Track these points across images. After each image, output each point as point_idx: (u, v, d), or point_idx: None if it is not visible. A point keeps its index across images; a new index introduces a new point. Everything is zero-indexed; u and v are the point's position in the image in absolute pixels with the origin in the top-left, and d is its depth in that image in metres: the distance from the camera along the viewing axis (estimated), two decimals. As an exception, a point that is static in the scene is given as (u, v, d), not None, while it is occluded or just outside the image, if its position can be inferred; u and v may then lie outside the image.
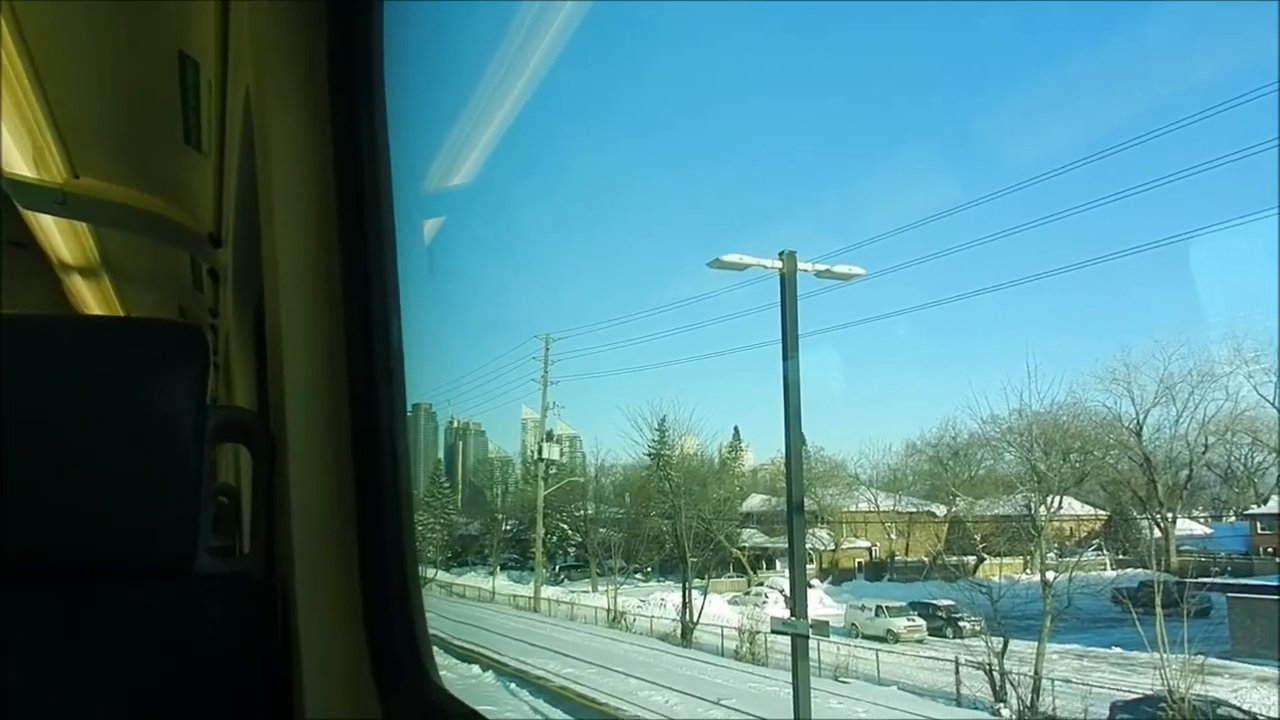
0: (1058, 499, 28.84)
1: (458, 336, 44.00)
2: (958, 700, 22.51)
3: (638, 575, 41.47)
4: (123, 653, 1.56)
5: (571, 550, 45.99)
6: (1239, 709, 18.83)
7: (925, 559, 36.00)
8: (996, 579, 27.56)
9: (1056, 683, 21.49)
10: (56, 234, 4.93)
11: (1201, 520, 33.47)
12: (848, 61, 42.10)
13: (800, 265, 18.42)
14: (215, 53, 2.71)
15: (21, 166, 3.85)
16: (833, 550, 38.18)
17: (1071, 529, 32.50)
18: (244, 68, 2.30)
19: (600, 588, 40.31)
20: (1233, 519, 32.58)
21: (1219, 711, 18.57)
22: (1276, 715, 18.75)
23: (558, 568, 45.29)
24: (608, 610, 36.24)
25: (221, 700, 1.62)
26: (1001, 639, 22.43)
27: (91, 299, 6.19)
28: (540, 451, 43.67)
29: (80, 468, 1.55)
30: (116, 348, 1.64)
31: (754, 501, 40.40)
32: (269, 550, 1.84)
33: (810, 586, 26.16)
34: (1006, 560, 30.36)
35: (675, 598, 34.28)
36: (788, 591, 22.58)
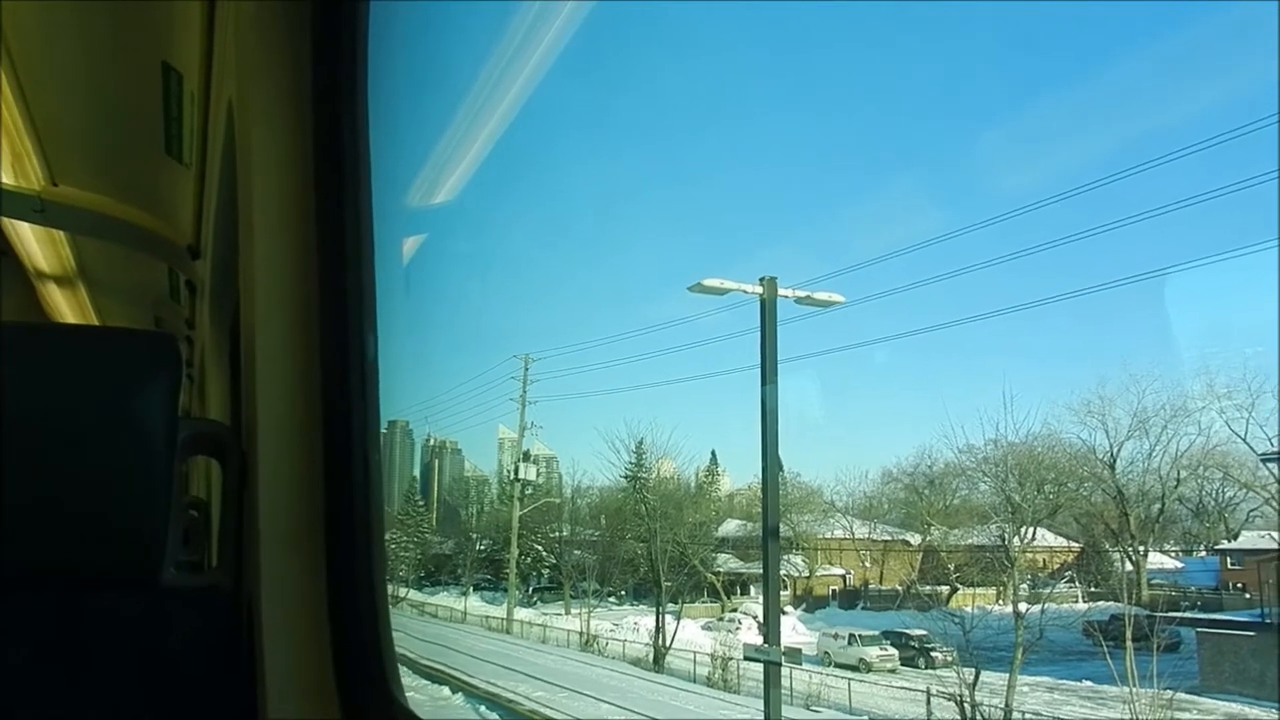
0: (1031, 530, 28.97)
1: (437, 354, 43.89)
2: (928, 731, 22.49)
3: (611, 598, 41.25)
4: (87, 663, 1.55)
5: (545, 572, 45.71)
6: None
7: (899, 588, 36.02)
8: (969, 609, 27.57)
9: (1027, 715, 21.50)
10: (33, 242, 4.90)
11: (1173, 554, 33.67)
12: (838, 82, 42.47)
13: (781, 291, 18.52)
14: (199, 64, 2.72)
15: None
16: (807, 577, 38.12)
17: (1044, 560, 32.62)
18: (227, 80, 2.30)
19: (573, 610, 40.07)
20: (1203, 554, 32.80)
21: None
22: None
23: (531, 589, 44.99)
24: (580, 633, 36.02)
25: (186, 713, 1.61)
26: (973, 670, 22.43)
27: (67, 308, 6.15)
28: (517, 471, 43.47)
29: (50, 475, 1.53)
30: (88, 355, 1.63)
31: (730, 526, 40.32)
32: (237, 565, 1.83)
33: (784, 613, 26.13)
34: (979, 590, 30.42)
35: (648, 622, 34.10)
36: (761, 618, 22.53)
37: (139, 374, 1.60)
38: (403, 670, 1.98)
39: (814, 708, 24.44)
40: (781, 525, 24.79)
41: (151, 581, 1.61)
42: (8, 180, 3.90)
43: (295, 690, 1.69)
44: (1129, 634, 21.39)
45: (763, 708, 17.48)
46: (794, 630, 30.22)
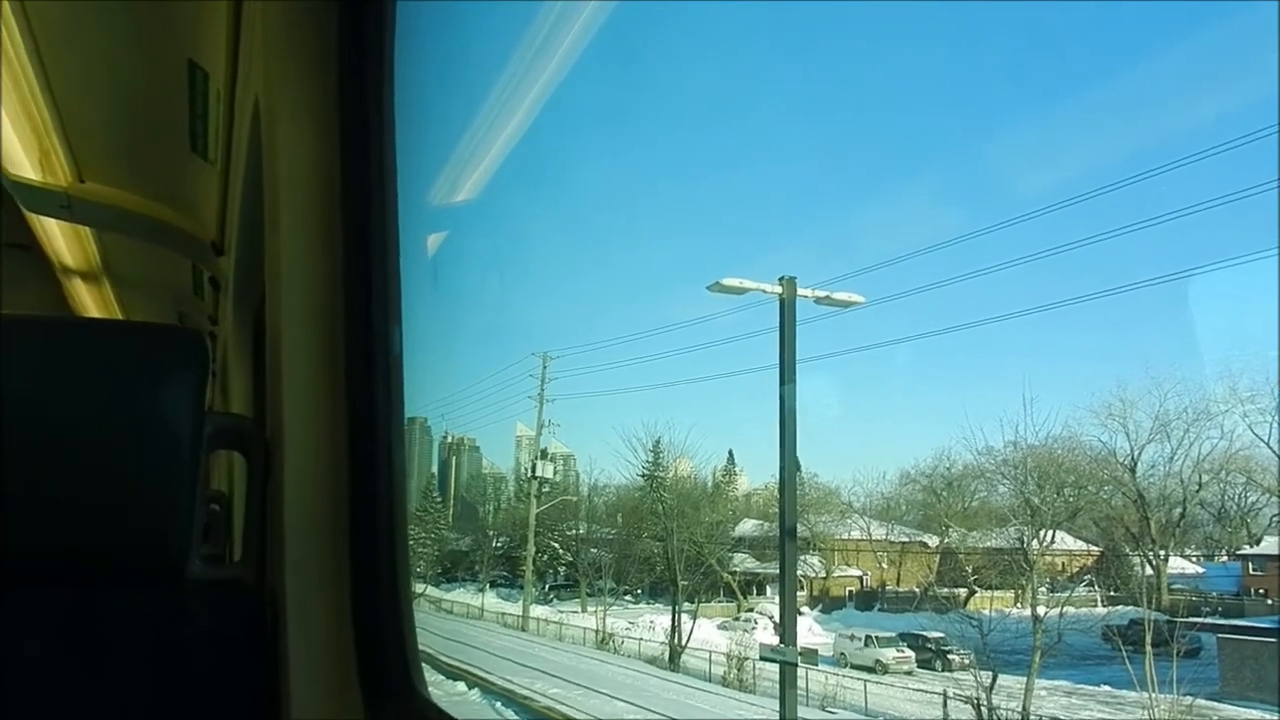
0: (1050, 533, 28.77)
1: (456, 351, 43.99)
2: (945, 733, 22.41)
3: (627, 597, 41.25)
4: (112, 656, 1.56)
5: (562, 569, 45.76)
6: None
7: (916, 590, 35.87)
8: (987, 612, 27.44)
9: (1045, 719, 21.37)
10: (59, 237, 4.95)
11: (1194, 559, 33.39)
12: (859, 82, 42.31)
13: (800, 291, 18.47)
14: (225, 62, 2.73)
15: (27, 169, 3.87)
16: (823, 578, 38.03)
17: (1063, 564, 32.41)
18: (253, 78, 2.32)
19: (589, 608, 40.11)
20: (1225, 559, 32.51)
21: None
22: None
23: (547, 587, 45.06)
24: (596, 631, 36.05)
25: (209, 708, 1.62)
26: (990, 673, 22.32)
27: (92, 303, 6.20)
28: (534, 469, 43.55)
29: (77, 469, 1.55)
30: (117, 350, 1.65)
31: (746, 526, 40.24)
32: (261, 559, 1.84)
33: (800, 614, 26.07)
34: (998, 593, 30.25)
35: (664, 620, 34.09)
36: (777, 618, 22.51)
37: (167, 369, 1.61)
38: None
39: (829, 709, 24.38)
40: (798, 526, 24.74)
41: (177, 576, 1.63)
42: (36, 177, 3.94)
43: (319, 684, 1.70)
44: (1149, 639, 21.21)
45: (778, 708, 17.44)
46: (810, 631, 30.15)
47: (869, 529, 38.58)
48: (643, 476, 40.99)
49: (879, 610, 36.21)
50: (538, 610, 41.10)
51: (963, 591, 32.37)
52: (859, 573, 38.50)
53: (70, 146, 3.73)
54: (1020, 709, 21.52)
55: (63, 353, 1.59)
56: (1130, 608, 27.97)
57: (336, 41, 1.85)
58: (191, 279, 5.30)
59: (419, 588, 42.56)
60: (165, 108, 3.29)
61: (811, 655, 19.63)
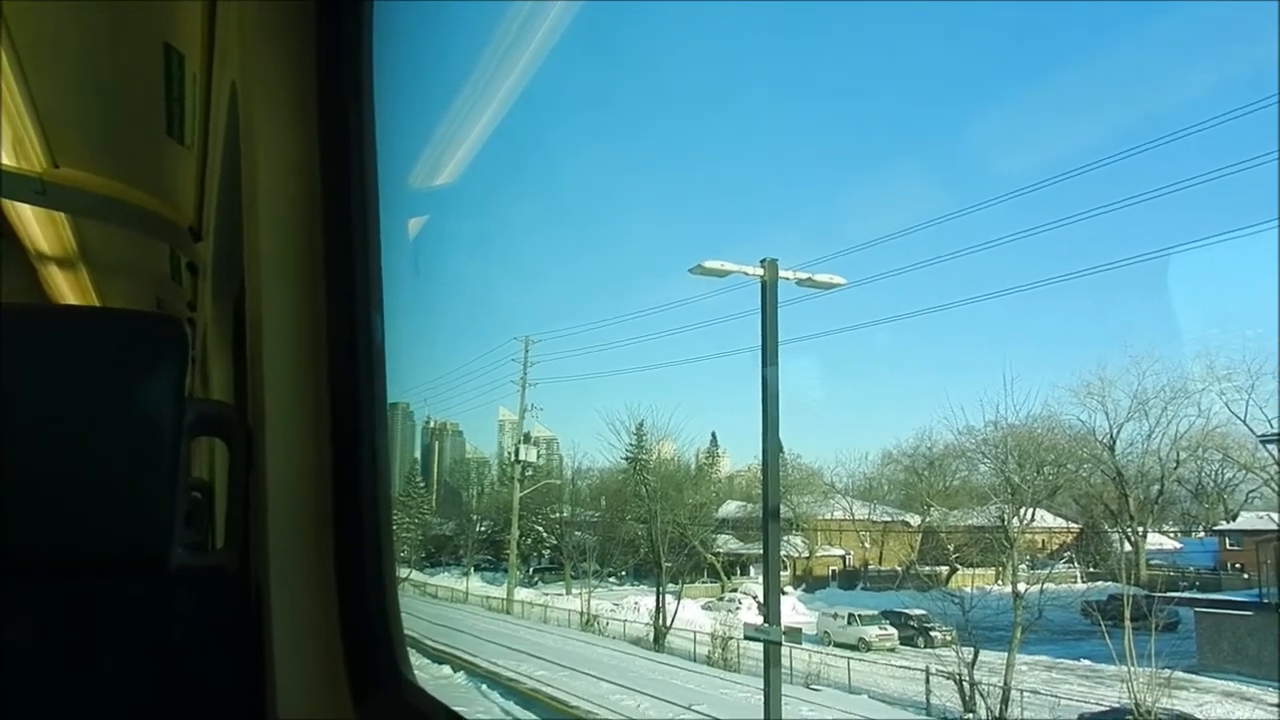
0: (1031, 511, 29.01)
1: (438, 335, 43.83)
2: (927, 709, 22.62)
3: (612, 579, 41.38)
4: (94, 647, 1.55)
5: (546, 553, 45.82)
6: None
7: (898, 568, 36.13)
8: (968, 589, 27.68)
9: (1025, 693, 21.61)
10: (34, 224, 4.89)
11: (1171, 535, 33.79)
12: (839, 66, 42.27)
13: (781, 273, 18.48)
14: (201, 45, 2.70)
15: (0, 155, 3.82)
16: (807, 558, 38.24)
17: (1044, 541, 32.70)
18: (230, 61, 2.29)
19: (574, 591, 40.21)
20: (1202, 535, 32.89)
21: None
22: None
23: (532, 570, 45.12)
24: (581, 613, 36.16)
25: (193, 696, 1.61)
26: (972, 649, 22.53)
27: (69, 290, 6.14)
28: (517, 453, 43.52)
29: (56, 458, 1.53)
30: (95, 338, 1.63)
31: (730, 507, 40.40)
32: (244, 546, 1.83)
33: (784, 593, 26.22)
34: (979, 571, 30.52)
35: (649, 602, 34.23)
36: (761, 598, 22.63)
37: (146, 356, 1.59)
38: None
39: (814, 686, 24.58)
40: (781, 506, 24.84)
41: (159, 565, 1.61)
42: (9, 162, 3.88)
43: (304, 670, 1.69)
44: (1127, 613, 21.43)
45: (763, 686, 17.56)
46: (794, 610, 30.35)
47: (851, 509, 38.81)
48: (626, 459, 41.08)
49: (862, 589, 36.47)
50: (522, 593, 41.16)
51: (944, 569, 32.63)
52: (842, 552, 38.75)
53: (44, 131, 3.68)
54: (1002, 684, 21.75)
55: (40, 341, 1.57)
56: (1109, 583, 28.30)
57: (314, 22, 1.83)
58: (170, 264, 5.25)
59: (403, 573, 42.52)
60: (141, 91, 3.25)
61: (795, 634, 19.77)
